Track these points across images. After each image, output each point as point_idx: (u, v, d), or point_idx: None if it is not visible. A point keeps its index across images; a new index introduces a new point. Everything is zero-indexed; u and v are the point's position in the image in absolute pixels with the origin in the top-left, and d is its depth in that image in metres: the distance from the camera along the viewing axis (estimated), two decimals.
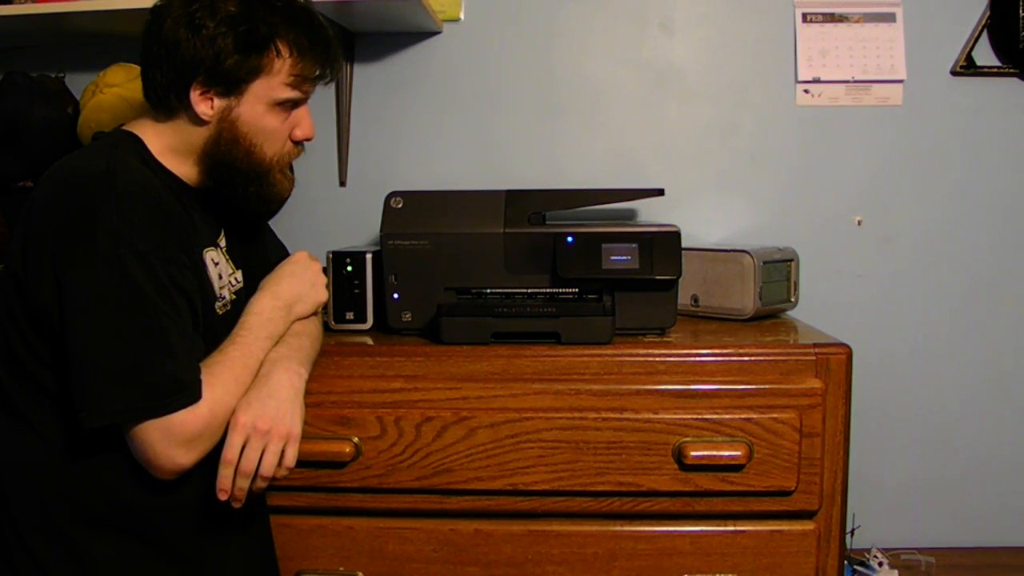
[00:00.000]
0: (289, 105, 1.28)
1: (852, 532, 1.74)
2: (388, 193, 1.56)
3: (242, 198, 1.30)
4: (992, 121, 1.90)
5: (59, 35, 1.88)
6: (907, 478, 1.95)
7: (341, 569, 1.42)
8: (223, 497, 1.14)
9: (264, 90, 1.24)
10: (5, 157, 1.79)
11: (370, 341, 1.54)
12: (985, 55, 1.89)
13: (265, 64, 1.23)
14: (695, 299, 1.71)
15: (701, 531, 1.40)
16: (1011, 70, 1.88)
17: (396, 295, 1.53)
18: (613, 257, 1.48)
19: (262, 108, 1.25)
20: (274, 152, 1.29)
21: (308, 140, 1.33)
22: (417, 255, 1.51)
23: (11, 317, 1.17)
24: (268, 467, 1.16)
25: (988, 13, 1.87)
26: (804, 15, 1.92)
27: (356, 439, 1.38)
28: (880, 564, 1.72)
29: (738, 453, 1.34)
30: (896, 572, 1.71)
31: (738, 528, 1.40)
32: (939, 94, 1.90)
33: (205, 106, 1.23)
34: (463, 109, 1.96)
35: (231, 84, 1.22)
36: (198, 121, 1.24)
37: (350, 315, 1.59)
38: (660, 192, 1.61)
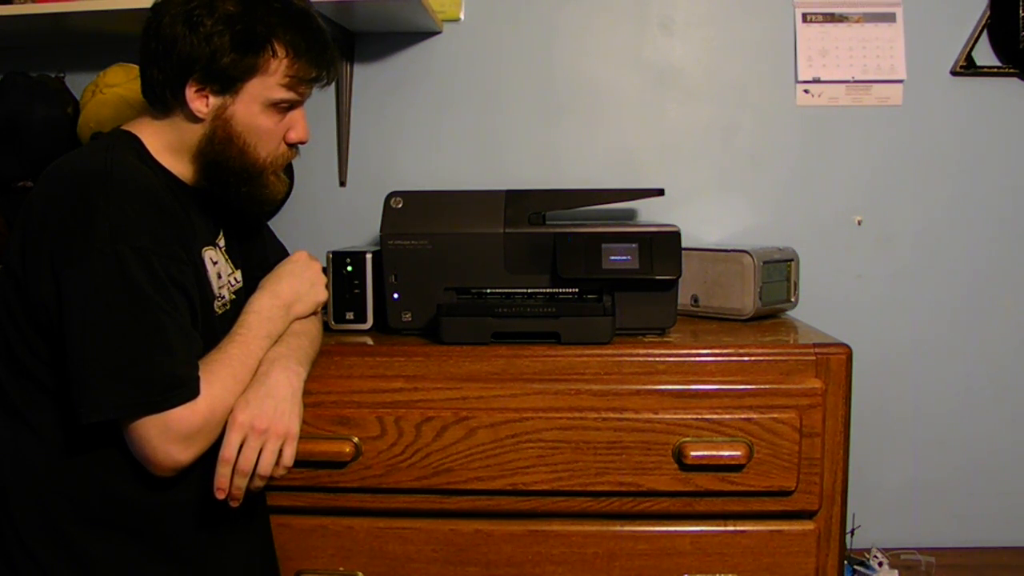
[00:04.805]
0: (284, 107, 1.28)
1: (852, 532, 1.74)
2: (388, 193, 1.56)
3: (235, 198, 1.31)
4: (992, 121, 1.90)
5: (59, 35, 1.88)
6: (907, 478, 1.94)
7: (341, 569, 1.42)
8: (221, 496, 1.14)
9: (259, 90, 1.24)
10: (5, 157, 1.79)
11: (370, 341, 1.54)
12: (985, 55, 1.89)
13: (261, 64, 1.23)
14: (695, 299, 1.71)
15: (701, 531, 1.40)
16: (1011, 70, 1.88)
17: (396, 295, 1.53)
18: (613, 257, 1.48)
19: (257, 108, 1.25)
20: (267, 153, 1.29)
21: (302, 143, 1.33)
22: (417, 255, 1.51)
23: (10, 315, 1.17)
24: (266, 466, 1.16)
25: (988, 13, 1.87)
26: (804, 15, 1.92)
27: (356, 439, 1.38)
28: (880, 564, 1.72)
29: (738, 453, 1.34)
30: (896, 572, 1.71)
31: (738, 528, 1.40)
32: (939, 94, 1.90)
33: (200, 103, 1.23)
34: (463, 109, 1.96)
35: (226, 82, 1.23)
36: (193, 119, 1.24)
37: (350, 315, 1.59)
38: (660, 192, 1.61)
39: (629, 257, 1.48)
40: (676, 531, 1.40)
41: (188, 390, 1.11)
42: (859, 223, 1.94)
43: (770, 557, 1.39)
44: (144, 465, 1.13)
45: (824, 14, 1.91)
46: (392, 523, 1.42)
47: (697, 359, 1.40)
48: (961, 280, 1.93)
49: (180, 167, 1.28)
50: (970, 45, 1.88)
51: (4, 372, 1.20)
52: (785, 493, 1.38)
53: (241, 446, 1.15)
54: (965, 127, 1.91)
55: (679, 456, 1.36)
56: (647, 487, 1.38)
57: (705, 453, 1.35)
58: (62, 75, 1.91)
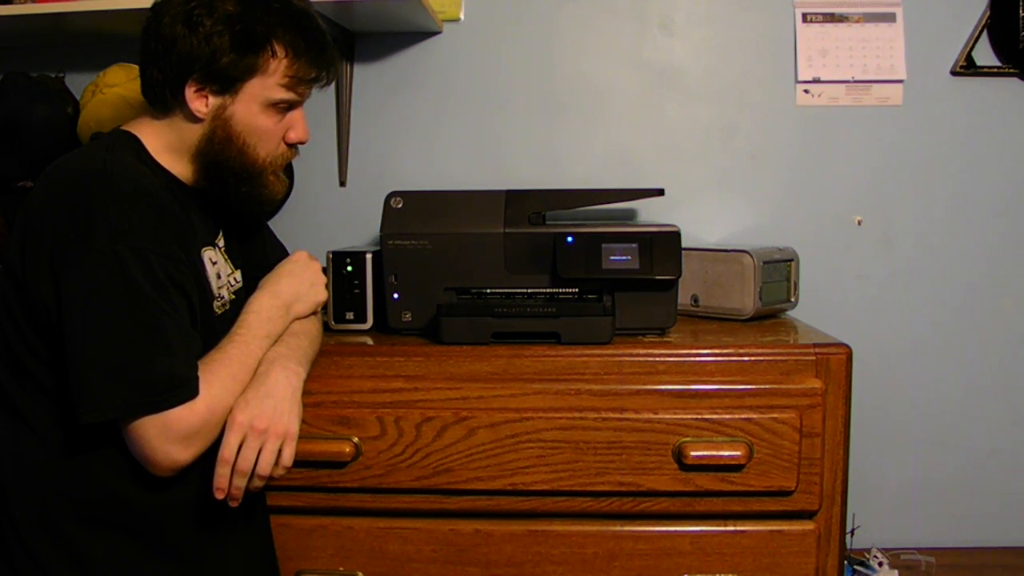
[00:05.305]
0: (284, 107, 1.28)
1: (852, 532, 1.74)
2: (388, 193, 1.56)
3: (234, 198, 1.31)
4: (992, 121, 1.90)
5: (59, 35, 1.88)
6: (907, 478, 1.94)
7: (341, 569, 1.42)
8: (220, 496, 1.15)
9: (259, 90, 1.24)
10: (5, 157, 1.79)
11: (370, 341, 1.54)
12: (985, 55, 1.89)
13: (260, 64, 1.23)
14: (695, 299, 1.71)
15: (701, 531, 1.40)
16: (1011, 70, 1.88)
17: (396, 295, 1.53)
18: (613, 257, 1.48)
19: (256, 108, 1.25)
20: (267, 153, 1.29)
21: (302, 143, 1.33)
22: (417, 255, 1.51)
23: (10, 316, 1.17)
24: (265, 466, 1.16)
25: (988, 13, 1.87)
26: (804, 15, 1.92)
27: (356, 439, 1.38)
28: (880, 564, 1.72)
29: (738, 453, 1.34)
30: (896, 572, 1.71)
31: (738, 528, 1.40)
32: (939, 94, 1.90)
33: (200, 104, 1.23)
34: (463, 109, 1.96)
35: (226, 82, 1.23)
36: (193, 119, 1.25)
37: (350, 315, 1.59)
38: (660, 192, 1.61)
39: (629, 257, 1.48)
40: (676, 531, 1.40)
41: (187, 390, 1.11)
42: (859, 223, 1.94)
43: (770, 557, 1.39)
44: (143, 465, 1.13)
45: (824, 14, 1.91)
46: (392, 523, 1.42)
47: (697, 359, 1.40)
48: (961, 280, 1.93)
49: (180, 167, 1.28)
50: (970, 45, 1.88)
51: (4, 372, 1.20)
52: (785, 493, 1.38)
53: (240, 446, 1.15)
54: (965, 127, 1.90)
55: (679, 456, 1.36)
56: (647, 487, 1.38)
57: (705, 453, 1.34)
58: (62, 75, 1.92)
